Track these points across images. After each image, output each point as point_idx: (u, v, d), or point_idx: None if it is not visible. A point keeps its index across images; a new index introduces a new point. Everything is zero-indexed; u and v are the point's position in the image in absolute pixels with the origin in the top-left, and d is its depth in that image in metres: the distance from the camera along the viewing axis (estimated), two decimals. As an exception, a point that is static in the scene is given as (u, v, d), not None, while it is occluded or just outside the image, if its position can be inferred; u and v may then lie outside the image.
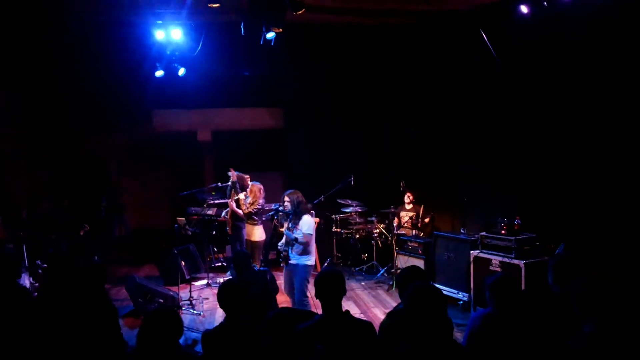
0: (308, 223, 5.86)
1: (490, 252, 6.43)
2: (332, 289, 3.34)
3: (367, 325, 3.39)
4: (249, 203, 7.97)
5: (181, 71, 8.81)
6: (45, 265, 7.50)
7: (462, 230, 7.39)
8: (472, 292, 6.65)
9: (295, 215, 5.92)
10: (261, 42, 7.86)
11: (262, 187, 8.15)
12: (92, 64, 9.54)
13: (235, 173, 8.49)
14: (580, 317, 3.34)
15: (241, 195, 8.11)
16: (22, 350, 3.34)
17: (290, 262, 5.94)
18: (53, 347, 3.41)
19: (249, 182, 8.35)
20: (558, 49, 6.38)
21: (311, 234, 5.84)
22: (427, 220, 8.55)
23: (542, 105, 6.82)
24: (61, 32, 8.12)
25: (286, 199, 5.99)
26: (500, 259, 6.25)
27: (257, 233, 8.03)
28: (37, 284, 7.41)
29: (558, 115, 6.62)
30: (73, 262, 4.28)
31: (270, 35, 7.73)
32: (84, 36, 8.32)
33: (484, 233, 6.58)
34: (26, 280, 7.29)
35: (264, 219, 8.10)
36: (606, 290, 3.34)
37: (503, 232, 6.32)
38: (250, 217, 8.03)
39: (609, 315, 3.22)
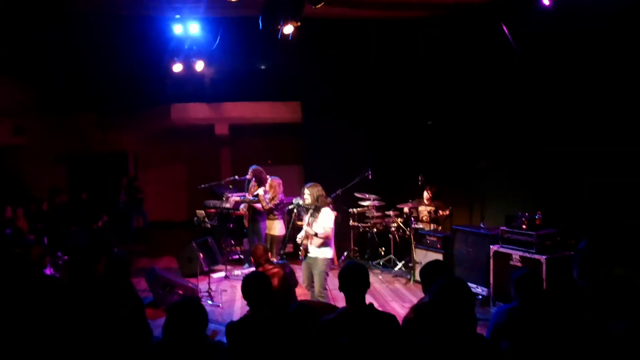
0: (327, 217, 5.85)
1: (510, 246, 6.38)
2: (356, 282, 3.36)
3: (390, 318, 3.39)
4: (269, 198, 7.96)
5: (199, 65, 8.82)
6: (66, 257, 7.62)
7: (481, 225, 7.35)
8: (491, 287, 6.60)
9: (314, 209, 5.91)
10: (278, 36, 7.87)
11: (280, 181, 8.17)
12: (112, 58, 9.64)
13: (254, 167, 8.51)
14: (610, 313, 3.31)
15: (260, 191, 8.11)
16: (50, 339, 3.38)
17: (309, 255, 5.94)
18: (80, 337, 3.45)
19: (267, 177, 8.37)
20: (580, 41, 6.28)
21: (331, 228, 5.84)
22: (445, 213, 8.49)
23: (563, 98, 6.74)
24: (82, 26, 8.19)
25: (306, 192, 5.98)
26: (520, 253, 6.20)
27: (277, 227, 8.04)
28: (57, 275, 7.53)
29: (580, 108, 6.53)
30: (93, 254, 4.30)
31: (287, 29, 7.75)
32: (104, 31, 8.40)
33: (504, 227, 6.52)
34: (47, 271, 7.41)
35: (281, 213, 8.13)
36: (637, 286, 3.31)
37: (524, 226, 6.25)
38: (271, 212, 8.03)
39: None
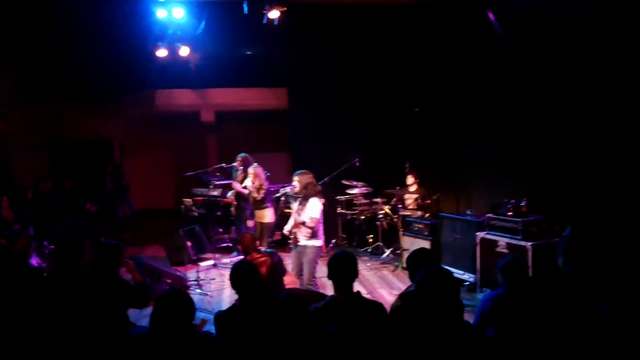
0: (316, 206, 5.81)
1: (496, 233, 6.43)
2: (345, 271, 3.37)
3: (377, 305, 3.41)
4: (256, 187, 7.88)
5: (184, 50, 8.71)
6: (53, 246, 7.54)
7: (468, 212, 7.39)
8: (478, 274, 6.66)
9: (303, 197, 5.88)
10: (264, 21, 7.79)
11: (261, 169, 8.07)
12: (94, 43, 9.46)
13: (242, 154, 8.45)
14: (596, 297, 3.35)
15: (248, 182, 8.03)
16: (33, 329, 3.35)
17: (298, 243, 5.93)
18: (64, 327, 3.42)
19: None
20: (566, 27, 6.29)
21: (317, 218, 5.81)
22: (432, 200, 8.52)
23: (549, 85, 6.76)
24: (62, 9, 8.01)
25: (295, 179, 5.93)
26: (507, 240, 6.25)
27: (268, 215, 7.96)
28: (44, 265, 7.45)
29: (565, 94, 6.57)
30: (80, 243, 4.26)
31: (273, 14, 7.67)
32: (85, 14, 8.23)
33: (491, 215, 6.56)
34: (34, 261, 7.32)
35: (269, 200, 8.09)
36: (622, 270, 3.35)
37: (510, 213, 6.30)
38: (262, 202, 7.94)
39: (627, 295, 3.23)
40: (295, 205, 5.99)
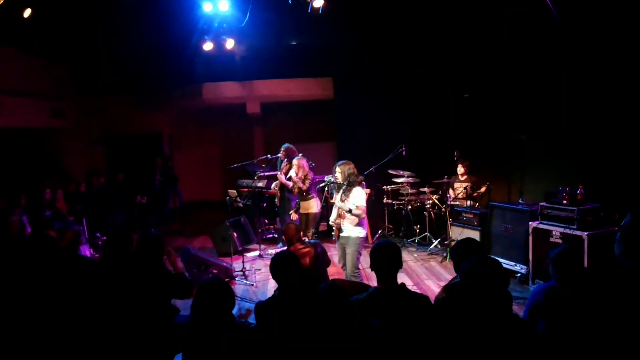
0: (359, 194, 5.74)
1: (550, 223, 6.15)
2: (388, 261, 3.26)
3: (423, 298, 3.30)
4: (300, 178, 7.83)
5: (229, 43, 8.75)
6: (105, 237, 7.77)
7: (520, 201, 7.12)
8: (530, 265, 6.41)
9: (346, 187, 5.81)
10: (308, 11, 7.71)
11: (305, 160, 8.01)
12: (143, 39, 9.66)
13: (286, 145, 8.44)
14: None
15: (292, 173, 7.99)
16: (79, 319, 3.42)
17: (342, 234, 5.86)
18: (109, 316, 3.48)
19: (297, 154, 8.29)
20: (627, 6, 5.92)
21: (363, 206, 5.74)
22: (482, 190, 8.26)
23: (604, 67, 6.39)
24: (111, 5, 8.19)
25: (337, 169, 5.88)
26: (561, 230, 5.97)
27: (314, 205, 7.90)
28: (97, 256, 7.69)
29: (621, 79, 6.19)
30: (128, 234, 4.35)
31: (317, 2, 7.58)
32: (133, 10, 8.39)
33: (544, 203, 6.29)
34: (86, 252, 7.57)
35: (315, 191, 8.04)
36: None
37: (565, 202, 6.01)
38: (308, 192, 7.90)
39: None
40: (338, 196, 5.92)
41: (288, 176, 8.15)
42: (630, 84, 6.11)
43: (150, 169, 11.97)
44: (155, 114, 13.29)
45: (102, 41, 9.75)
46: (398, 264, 3.32)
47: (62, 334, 3.30)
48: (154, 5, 8.45)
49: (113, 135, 13.11)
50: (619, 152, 6.30)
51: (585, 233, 5.68)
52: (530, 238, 6.36)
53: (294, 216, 8.06)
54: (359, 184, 5.89)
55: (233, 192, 8.72)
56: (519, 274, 6.69)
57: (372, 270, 3.34)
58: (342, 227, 5.84)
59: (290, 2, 7.70)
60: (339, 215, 5.86)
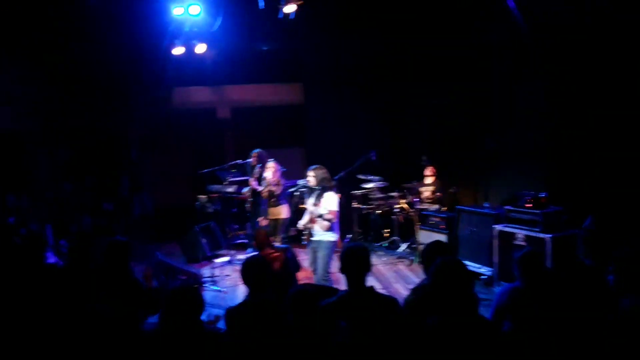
0: (332, 199, 5.78)
1: (515, 226, 6.31)
2: (357, 264, 3.31)
3: (391, 300, 3.34)
4: (275, 181, 7.81)
5: (200, 47, 8.71)
6: (70, 244, 7.61)
7: (485, 204, 7.27)
8: (495, 267, 6.55)
9: (320, 192, 5.84)
10: (280, 16, 7.74)
11: (277, 164, 8.02)
12: (111, 41, 9.52)
13: (257, 150, 8.41)
14: (618, 291, 3.24)
15: (268, 174, 7.95)
16: (46, 325, 3.36)
17: (313, 238, 5.89)
18: (76, 321, 3.42)
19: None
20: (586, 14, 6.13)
21: (336, 210, 5.77)
22: (448, 193, 8.40)
23: (567, 78, 6.60)
24: (80, 8, 8.07)
25: (310, 174, 5.90)
26: (525, 233, 6.13)
27: (283, 211, 7.90)
28: (61, 263, 7.52)
29: (583, 86, 6.41)
30: (96, 240, 4.29)
31: (288, 8, 7.62)
32: (102, 13, 8.28)
33: (509, 207, 6.44)
34: (51, 260, 7.40)
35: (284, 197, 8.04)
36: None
37: (529, 205, 6.17)
38: (277, 199, 7.88)
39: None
40: (310, 200, 5.94)
41: (263, 177, 8.09)
42: (591, 90, 6.31)
43: (118, 174, 11.76)
44: (124, 118, 13.07)
45: (70, 43, 9.57)
46: (367, 267, 3.36)
47: (27, 341, 3.23)
48: (123, 8, 8.37)
49: (80, 139, 12.84)
50: (581, 158, 6.51)
51: (549, 235, 5.83)
52: (495, 241, 6.50)
53: (263, 222, 8.04)
54: (332, 188, 5.93)
55: (203, 197, 8.66)
56: (484, 276, 6.82)
57: (341, 274, 3.38)
58: (314, 232, 5.87)
59: (261, 7, 7.72)
60: (311, 220, 5.89)
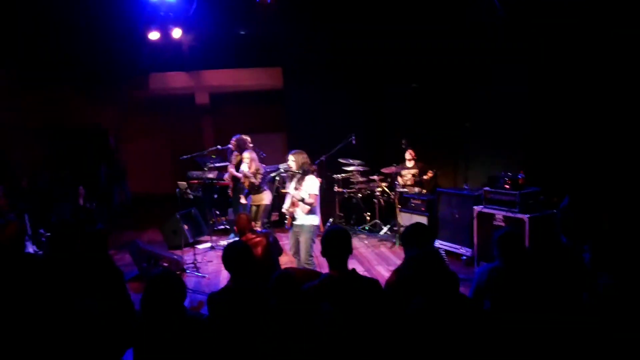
0: (313, 183, 5.80)
1: (493, 207, 6.39)
2: (338, 247, 3.32)
3: (373, 282, 3.37)
4: (253, 172, 7.80)
5: (176, 32, 8.58)
6: (49, 234, 7.50)
7: (465, 186, 7.35)
8: (475, 248, 6.64)
9: (300, 175, 5.85)
10: (257, 0, 7.66)
11: (255, 153, 8.00)
12: (85, 28, 9.31)
13: (237, 136, 8.37)
14: (594, 269, 3.32)
15: (244, 167, 7.92)
16: (29, 317, 3.33)
17: (295, 222, 5.90)
18: (59, 313, 3.40)
19: (250, 145, 8.25)
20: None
21: (317, 194, 5.79)
22: (429, 176, 8.46)
23: (549, 57, 6.66)
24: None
25: (291, 158, 5.91)
26: (504, 213, 6.22)
27: (265, 197, 7.95)
28: (40, 253, 7.43)
29: (564, 67, 6.48)
30: (76, 229, 4.23)
31: (266, -9, 7.55)
32: (75, 1, 8.11)
33: (487, 188, 6.52)
34: (30, 249, 7.32)
35: (266, 182, 8.04)
36: (620, 242, 3.31)
37: (507, 186, 6.26)
38: (259, 186, 7.88)
39: (624, 267, 3.19)
40: (292, 184, 5.95)
41: (240, 170, 8.09)
42: (569, 72, 6.39)
43: (96, 162, 11.62)
44: (101, 105, 12.87)
45: (43, 29, 9.34)
46: (348, 250, 3.39)
47: (8, 331, 3.20)
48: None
49: (56, 128, 12.62)
50: (556, 139, 6.60)
51: (527, 216, 5.93)
52: (475, 222, 6.59)
53: (243, 200, 8.05)
54: (312, 172, 5.95)
55: (183, 184, 8.59)
56: (464, 257, 6.92)
57: (323, 257, 3.40)
58: (296, 216, 5.89)
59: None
60: (292, 204, 5.90)
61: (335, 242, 3.35)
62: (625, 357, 2.83)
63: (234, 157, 8.39)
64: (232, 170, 8.27)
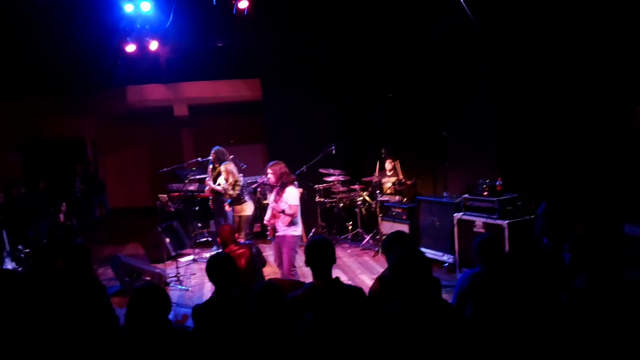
0: (293, 194, 5.81)
1: (473, 214, 6.48)
2: (322, 257, 3.34)
3: (357, 290, 3.40)
4: (230, 184, 7.79)
5: (153, 45, 8.56)
6: (27, 250, 7.39)
7: (444, 194, 7.44)
8: (456, 254, 6.72)
9: (280, 187, 5.86)
10: (233, 12, 7.69)
11: (233, 165, 7.99)
12: (61, 41, 9.26)
13: (217, 148, 8.35)
14: (572, 272, 3.40)
15: (221, 180, 7.91)
16: (14, 333, 3.28)
17: (277, 233, 5.91)
18: (44, 328, 3.36)
19: (228, 157, 8.24)
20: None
21: (297, 205, 5.81)
22: (409, 184, 8.56)
23: (520, 65, 6.81)
24: (27, 7, 7.81)
25: (269, 170, 5.91)
26: (483, 220, 6.31)
27: (247, 208, 7.93)
28: (20, 269, 7.30)
29: (535, 74, 6.63)
30: (56, 244, 4.19)
31: (242, 3, 7.59)
32: (51, 10, 8.04)
33: (467, 195, 6.62)
34: (9, 266, 7.18)
35: (247, 193, 8.03)
36: (595, 245, 3.39)
37: (485, 193, 6.35)
38: (240, 196, 7.87)
39: (599, 269, 3.28)
40: (272, 196, 5.97)
41: (217, 183, 8.07)
42: (542, 81, 6.53)
43: (73, 176, 11.47)
44: (77, 117, 12.74)
45: (17, 39, 9.23)
46: (332, 259, 3.41)
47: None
48: (73, 5, 8.13)
49: (32, 140, 12.45)
50: (528, 144, 6.74)
51: (506, 222, 6.02)
52: (455, 229, 6.67)
53: (227, 208, 8.02)
54: (292, 183, 5.96)
55: (164, 197, 8.55)
56: (446, 264, 7.00)
57: (307, 267, 3.42)
58: (277, 227, 5.89)
59: (214, 3, 7.64)
60: (273, 216, 5.91)
61: (318, 252, 3.37)
62: (603, 356, 2.90)
63: (209, 171, 8.37)
64: (209, 183, 8.25)
